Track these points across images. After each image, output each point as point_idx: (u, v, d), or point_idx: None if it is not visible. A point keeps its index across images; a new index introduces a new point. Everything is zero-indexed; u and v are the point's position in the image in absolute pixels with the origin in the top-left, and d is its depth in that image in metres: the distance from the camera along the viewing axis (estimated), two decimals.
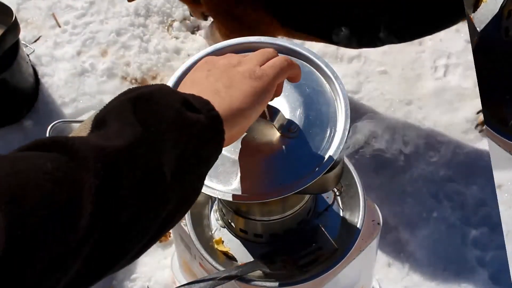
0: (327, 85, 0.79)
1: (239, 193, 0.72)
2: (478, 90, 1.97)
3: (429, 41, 2.05)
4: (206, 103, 0.58)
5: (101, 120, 0.55)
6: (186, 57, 2.06)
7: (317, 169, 0.72)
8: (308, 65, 0.80)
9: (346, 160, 0.95)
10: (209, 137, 0.57)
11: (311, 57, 0.80)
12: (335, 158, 0.73)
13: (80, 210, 0.46)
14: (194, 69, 0.68)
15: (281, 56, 0.68)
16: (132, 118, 0.53)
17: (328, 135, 0.74)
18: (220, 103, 0.59)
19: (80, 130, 0.57)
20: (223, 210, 0.91)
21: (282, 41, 0.82)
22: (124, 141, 0.51)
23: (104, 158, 0.49)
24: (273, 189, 0.72)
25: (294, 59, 0.73)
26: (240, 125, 0.62)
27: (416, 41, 2.04)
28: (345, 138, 0.74)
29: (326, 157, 0.73)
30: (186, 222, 0.91)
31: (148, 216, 0.52)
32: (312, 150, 0.73)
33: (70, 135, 0.56)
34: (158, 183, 0.52)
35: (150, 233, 0.54)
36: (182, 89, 0.64)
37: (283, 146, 0.74)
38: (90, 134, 0.55)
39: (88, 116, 2.01)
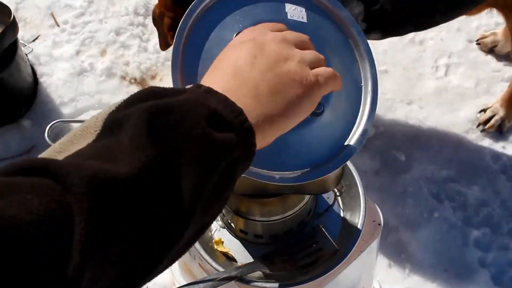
0: (357, 64, 0.71)
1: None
2: (479, 89, 1.97)
3: (430, 40, 2.04)
4: (239, 112, 0.50)
5: (114, 123, 0.47)
6: None
7: (333, 161, 0.67)
8: (340, 29, 0.71)
9: None
10: (238, 156, 0.50)
11: (346, 19, 0.71)
12: (354, 152, 0.67)
13: (66, 260, 0.40)
14: (238, 46, 0.58)
15: (330, 68, 0.61)
16: (147, 136, 0.45)
17: (349, 126, 0.69)
18: (258, 111, 0.53)
19: (89, 125, 0.49)
20: (223, 211, 0.90)
21: None
22: (130, 167, 0.43)
23: (102, 193, 0.42)
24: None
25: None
26: (273, 136, 0.56)
27: (417, 40, 2.03)
28: (364, 139, 0.68)
29: (344, 151, 0.68)
30: None
31: (152, 258, 0.45)
32: (333, 136, 0.68)
33: (79, 129, 0.49)
34: (171, 218, 0.45)
35: (154, 274, 0.47)
36: (219, 73, 0.56)
37: (306, 125, 0.67)
38: (98, 137, 0.47)
39: (87, 114, 1.99)
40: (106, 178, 0.42)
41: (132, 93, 0.51)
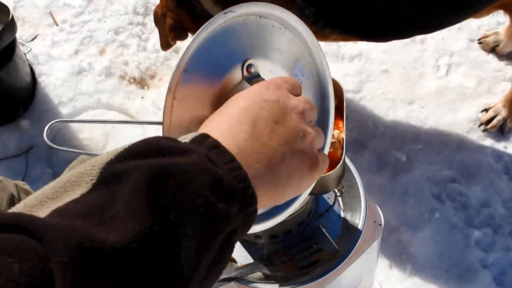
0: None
1: None
2: (480, 89, 1.96)
3: (431, 39, 2.03)
4: (244, 177, 0.49)
5: (112, 176, 0.45)
6: None
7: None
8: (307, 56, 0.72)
9: (347, 160, 0.93)
10: (237, 226, 0.49)
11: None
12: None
13: None
14: (260, 103, 0.57)
15: (327, 155, 0.64)
16: (145, 201, 0.43)
17: None
18: (265, 180, 0.53)
19: (84, 172, 0.46)
20: None
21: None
22: (121, 236, 0.40)
23: (86, 264, 0.39)
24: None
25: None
26: (267, 206, 0.56)
27: (418, 40, 2.03)
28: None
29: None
30: None
31: None
32: None
33: (74, 175, 0.46)
34: None
35: None
36: (234, 125, 0.54)
37: None
38: (92, 188, 0.45)
39: (86, 114, 1.97)
40: (92, 248, 0.39)
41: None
